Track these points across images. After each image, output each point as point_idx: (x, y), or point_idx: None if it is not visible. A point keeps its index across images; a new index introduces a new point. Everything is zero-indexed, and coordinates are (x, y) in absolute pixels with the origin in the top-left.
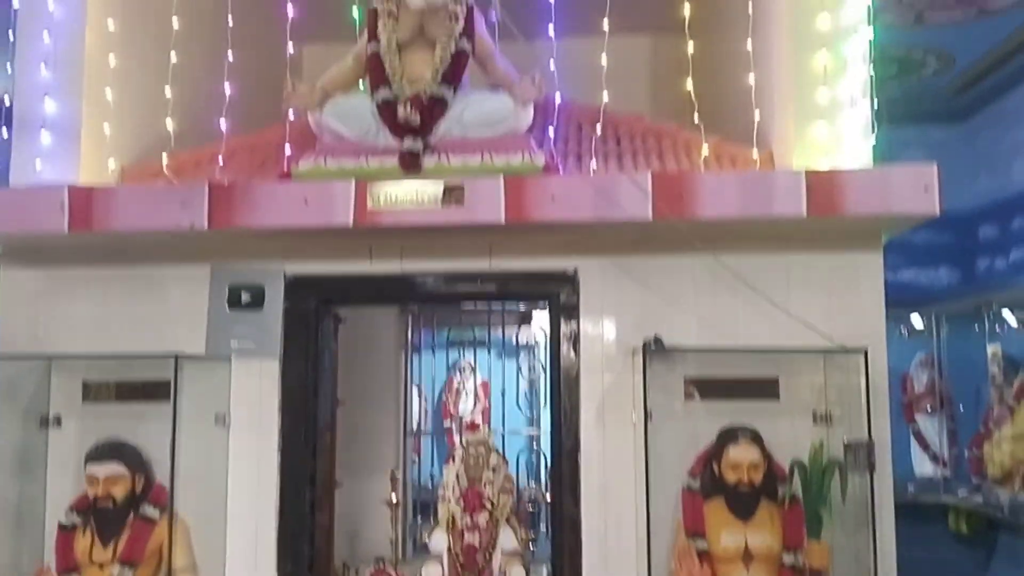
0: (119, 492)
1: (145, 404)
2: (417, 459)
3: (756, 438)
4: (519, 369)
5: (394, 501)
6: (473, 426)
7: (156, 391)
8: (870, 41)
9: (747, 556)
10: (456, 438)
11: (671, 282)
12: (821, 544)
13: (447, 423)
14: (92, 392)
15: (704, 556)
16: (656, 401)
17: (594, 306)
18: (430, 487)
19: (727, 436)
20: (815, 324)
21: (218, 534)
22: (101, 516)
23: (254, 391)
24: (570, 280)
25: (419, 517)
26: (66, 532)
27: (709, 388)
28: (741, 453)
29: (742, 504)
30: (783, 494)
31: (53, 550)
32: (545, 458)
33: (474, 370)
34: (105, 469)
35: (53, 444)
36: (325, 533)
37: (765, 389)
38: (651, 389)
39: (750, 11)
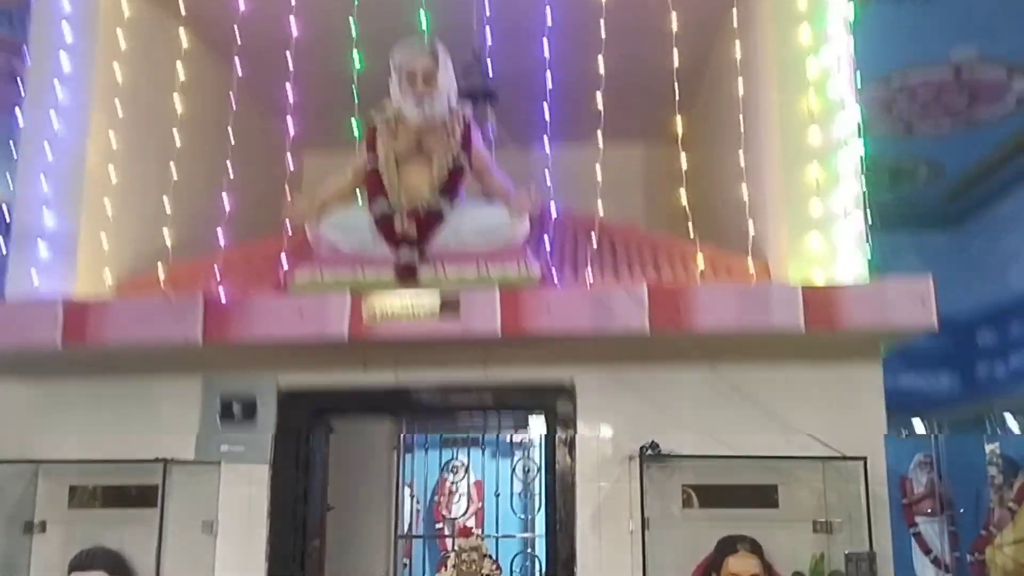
0: None
1: (132, 510)
2: (408, 563)
3: (755, 548)
4: (513, 470)
5: None
6: (466, 531)
7: (143, 497)
8: (861, 155)
9: None
10: (448, 541)
11: (668, 393)
12: None
13: (439, 525)
14: (78, 497)
15: None
16: (653, 509)
17: (591, 416)
18: None
19: (726, 546)
20: (814, 434)
21: None
22: None
23: (243, 498)
24: (567, 391)
25: None
26: None
27: (707, 496)
28: (741, 564)
29: None
30: None
31: None
32: (540, 562)
33: (467, 470)
34: None
35: (37, 550)
36: None
37: (764, 497)
38: (648, 496)
39: (742, 125)
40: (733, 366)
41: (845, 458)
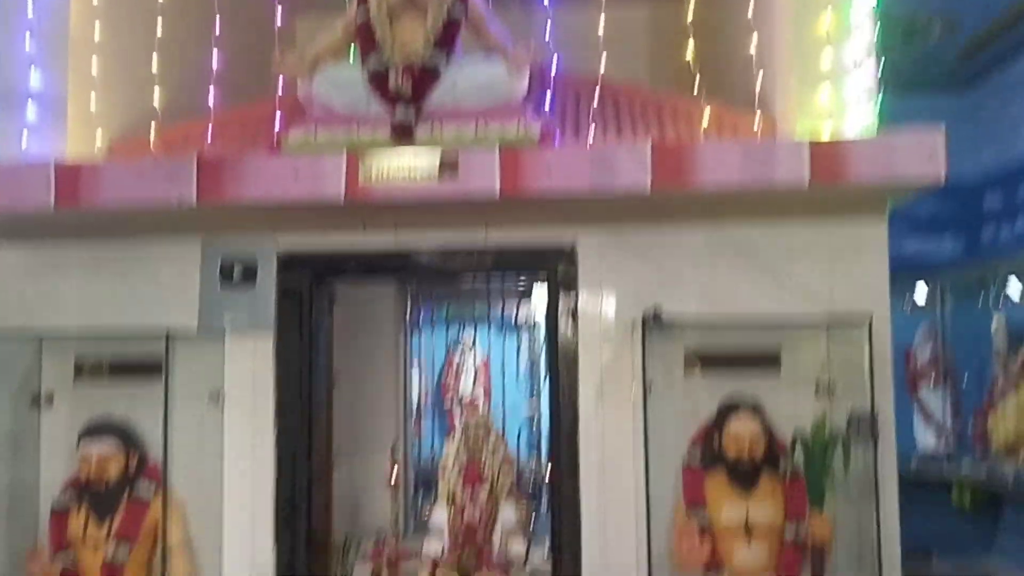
0: (112, 471)
1: (138, 382)
2: (418, 439)
3: (757, 411)
4: (519, 346)
5: (394, 479)
6: (472, 406)
7: (149, 369)
8: (874, 4)
9: (748, 530)
10: (456, 417)
11: (671, 254)
12: (823, 517)
13: (447, 401)
14: (84, 371)
15: (705, 530)
16: (656, 375)
17: (593, 279)
18: (431, 464)
19: (728, 409)
20: (818, 294)
21: (214, 511)
22: (95, 495)
23: (248, 368)
24: (568, 254)
25: (420, 493)
26: (59, 514)
27: (710, 361)
28: (742, 426)
29: (743, 478)
30: (784, 467)
31: (47, 532)
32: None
33: (474, 347)
34: (98, 447)
35: (45, 424)
36: (323, 509)
37: (766, 362)
38: (650, 363)
39: None
40: (737, 225)
41: (850, 319)
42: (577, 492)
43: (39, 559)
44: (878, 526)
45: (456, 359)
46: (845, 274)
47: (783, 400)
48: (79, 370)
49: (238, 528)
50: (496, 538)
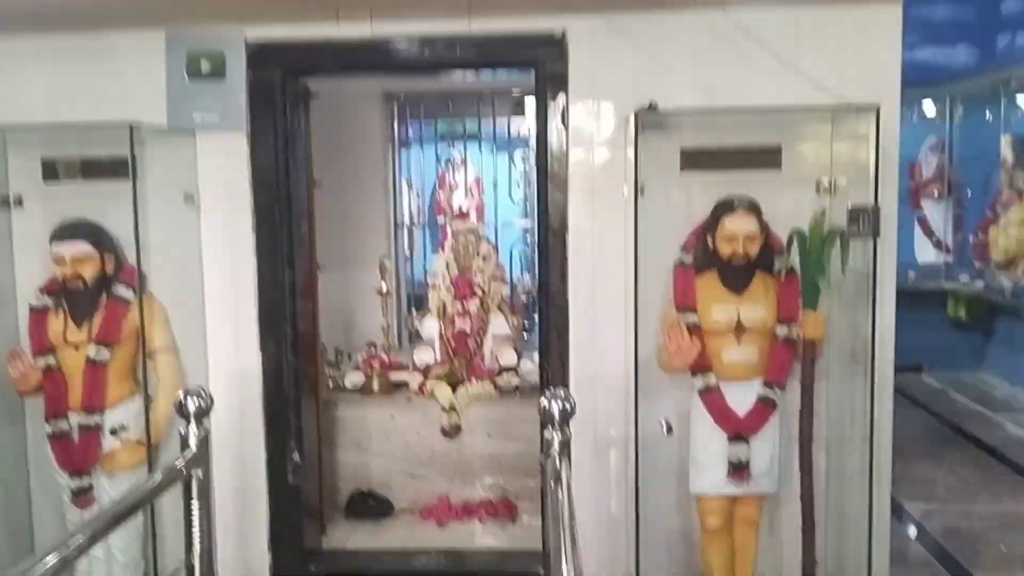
0: (88, 272)
1: (110, 182)
2: (410, 254)
3: (754, 208)
4: (511, 158)
5: (384, 290)
6: (462, 215)
7: (120, 168)
8: None
9: (739, 329)
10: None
11: (667, 42)
12: (816, 315)
13: (441, 220)
14: (53, 170)
15: (694, 330)
16: (649, 174)
17: (583, 72)
18: (424, 282)
19: (723, 207)
20: (824, 85)
21: (196, 315)
22: (72, 297)
23: (223, 169)
24: (557, 43)
25: (413, 309)
26: (38, 314)
27: (706, 158)
28: (737, 224)
29: (736, 277)
30: (779, 267)
31: (27, 333)
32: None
33: (466, 165)
34: (71, 248)
35: (17, 225)
36: (309, 317)
37: (766, 158)
38: (644, 161)
39: None
40: (739, 9)
41: (857, 107)
42: (565, 298)
43: (19, 360)
44: (873, 326)
45: (448, 177)
46: (854, 63)
47: (782, 199)
48: (48, 170)
49: (221, 333)
50: (487, 348)
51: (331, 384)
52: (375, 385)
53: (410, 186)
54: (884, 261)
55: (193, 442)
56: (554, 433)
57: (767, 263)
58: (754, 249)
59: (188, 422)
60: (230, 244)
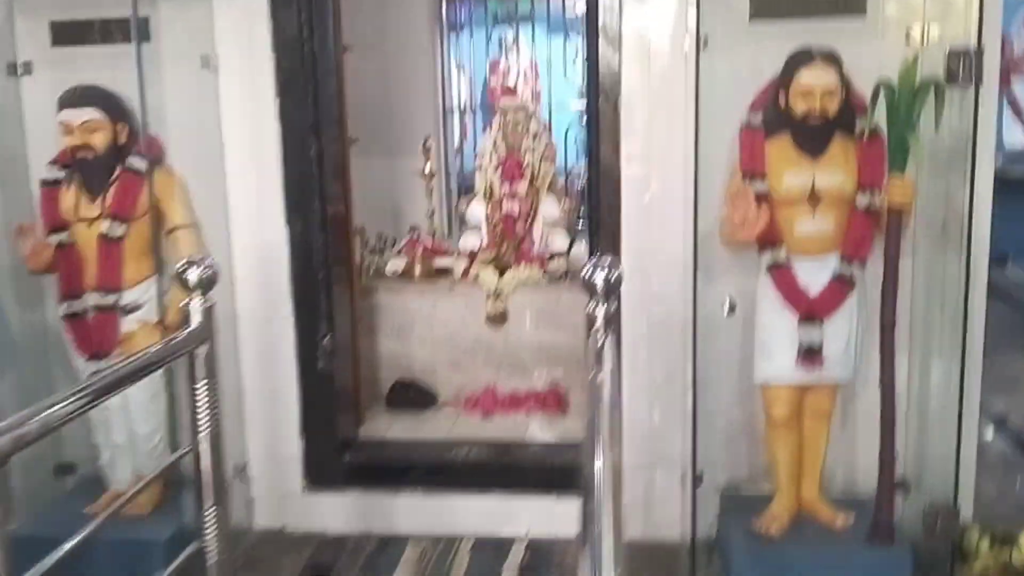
0: (99, 142)
1: (125, 46)
2: (460, 140)
3: (834, 60)
4: (567, 36)
5: (427, 170)
6: (509, 91)
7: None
8: None
9: (814, 198)
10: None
11: None
12: (904, 179)
13: (494, 106)
14: (62, 35)
15: (763, 199)
16: (713, 25)
17: None
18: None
19: (798, 58)
20: None
21: (218, 189)
22: (84, 169)
23: (243, 29)
24: None
25: (461, 199)
26: (49, 187)
27: (779, 5)
28: (814, 77)
29: (812, 139)
30: (862, 127)
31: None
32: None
33: (520, 48)
34: (80, 116)
35: (28, 95)
36: (341, 193)
37: (848, 2)
38: (707, 10)
39: None
40: None
41: None
42: (618, 167)
43: (30, 234)
44: (972, 195)
45: (502, 60)
46: None
47: (866, 51)
48: (57, 34)
49: (245, 209)
50: (536, 233)
51: (372, 270)
52: (417, 271)
53: (461, 69)
54: (985, 118)
55: (197, 316)
56: (598, 306)
57: (847, 123)
58: (833, 106)
59: (191, 294)
60: (252, 112)
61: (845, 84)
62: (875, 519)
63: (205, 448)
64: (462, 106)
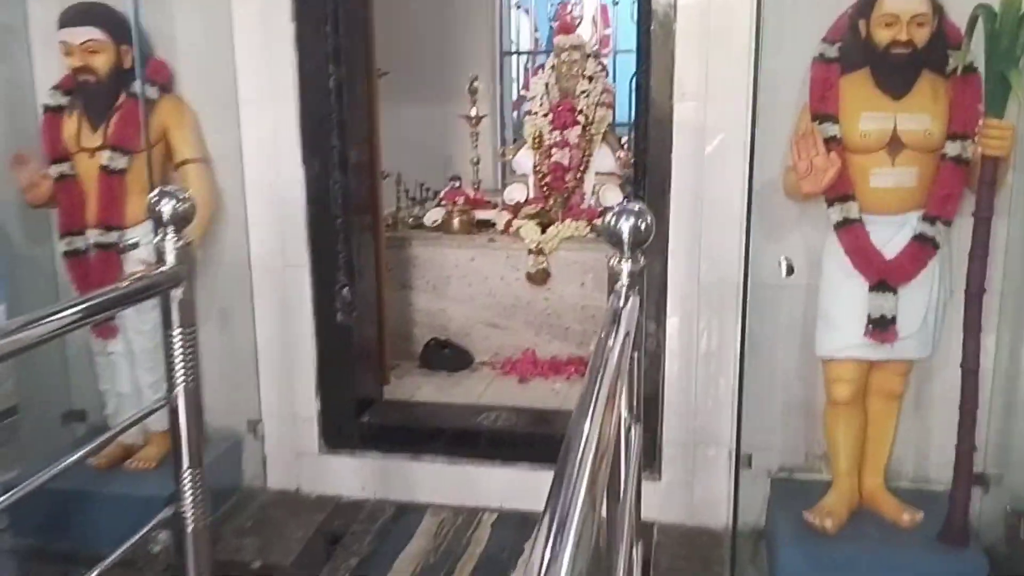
0: (101, 64)
1: None
2: (518, 89)
3: None
4: None
5: (474, 115)
6: (566, 27)
7: None
8: None
9: (894, 145)
10: None
11: None
12: (1003, 124)
13: None
14: None
15: (834, 146)
16: None
17: None
18: None
19: None
20: None
21: (231, 122)
22: (86, 94)
23: None
24: None
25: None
26: (53, 115)
27: None
28: (901, 1)
29: (895, 76)
30: (955, 63)
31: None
32: None
33: None
34: (80, 35)
35: (34, 12)
36: (366, 132)
37: None
38: None
39: None
40: None
41: None
42: (668, 104)
43: (26, 164)
44: None
45: (569, 3)
46: None
47: None
48: None
49: (258, 144)
50: (587, 185)
51: (410, 220)
52: (455, 223)
53: (525, 12)
54: None
55: (170, 255)
56: (621, 260)
57: (938, 58)
58: (921, 36)
59: (164, 229)
60: (266, 38)
61: (937, 11)
62: (948, 518)
63: (181, 403)
64: (524, 52)
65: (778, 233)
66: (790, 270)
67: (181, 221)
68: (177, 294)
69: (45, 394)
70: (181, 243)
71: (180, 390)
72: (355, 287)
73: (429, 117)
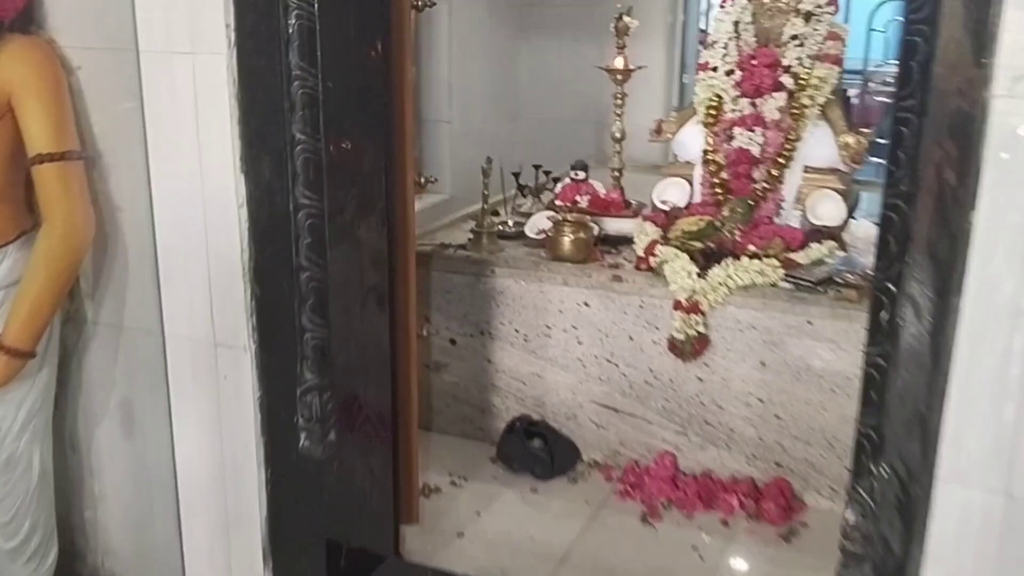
0: None
1: None
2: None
3: None
4: None
5: (622, 67)
6: None
7: None
8: None
9: None
10: None
11: None
12: None
13: None
14: None
15: None
16: None
17: None
18: None
19: None
20: None
21: (128, 94)
22: None
23: None
24: None
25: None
26: None
27: None
28: None
29: None
30: None
31: None
32: None
33: None
34: None
35: None
36: (383, 108)
37: None
38: None
39: None
40: None
41: None
42: (979, 93)
43: None
44: None
45: None
46: None
47: None
48: None
49: (171, 133)
50: (788, 188)
51: (511, 224)
52: (566, 241)
53: None
54: None
55: None
56: None
57: None
58: None
59: None
60: None
61: None
62: None
63: None
64: None
65: None
66: None
67: None
68: None
69: None
70: None
71: None
72: (336, 386)
73: (574, 66)
